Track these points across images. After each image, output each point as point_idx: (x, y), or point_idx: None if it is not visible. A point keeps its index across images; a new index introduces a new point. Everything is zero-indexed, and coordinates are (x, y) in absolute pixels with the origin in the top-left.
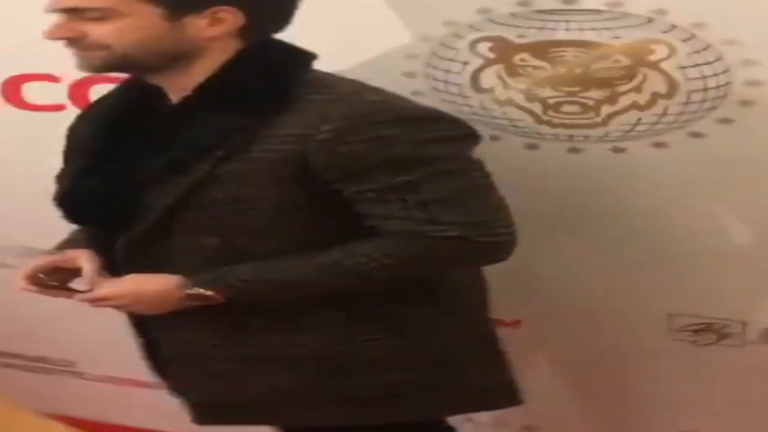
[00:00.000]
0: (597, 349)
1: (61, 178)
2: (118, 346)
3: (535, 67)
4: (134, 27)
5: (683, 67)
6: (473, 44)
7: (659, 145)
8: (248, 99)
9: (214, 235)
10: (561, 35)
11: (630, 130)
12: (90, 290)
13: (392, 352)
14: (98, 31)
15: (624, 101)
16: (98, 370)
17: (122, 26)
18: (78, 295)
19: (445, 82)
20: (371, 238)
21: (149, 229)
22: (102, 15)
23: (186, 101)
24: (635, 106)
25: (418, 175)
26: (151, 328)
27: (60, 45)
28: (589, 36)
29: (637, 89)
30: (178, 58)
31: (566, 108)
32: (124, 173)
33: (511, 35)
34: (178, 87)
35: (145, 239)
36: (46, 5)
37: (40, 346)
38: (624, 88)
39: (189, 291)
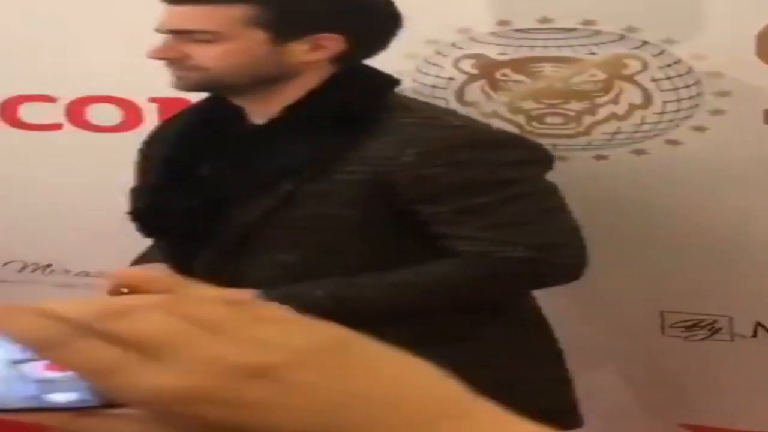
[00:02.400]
0: (592, 346)
1: (136, 193)
2: None
3: (516, 82)
4: (238, 50)
5: (656, 80)
6: (456, 61)
7: (639, 152)
8: (337, 122)
9: (291, 252)
10: (539, 52)
11: (611, 139)
12: None
13: (458, 372)
14: (202, 53)
15: (603, 112)
16: None
17: (227, 49)
18: None
19: (432, 97)
20: (443, 258)
21: (228, 246)
22: (210, 38)
23: (274, 122)
24: (614, 116)
25: (495, 198)
26: None
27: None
28: (565, 52)
29: (615, 101)
30: (270, 81)
31: (549, 119)
32: (204, 190)
33: (491, 52)
34: (264, 108)
35: (223, 255)
36: (156, 25)
37: None
38: (602, 99)
39: None
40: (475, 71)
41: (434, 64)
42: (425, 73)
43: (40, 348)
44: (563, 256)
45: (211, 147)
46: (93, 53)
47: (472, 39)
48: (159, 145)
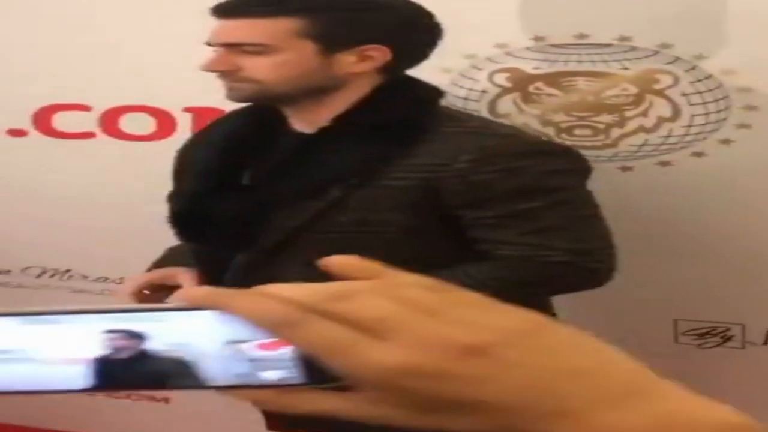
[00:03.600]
0: None
1: (174, 198)
2: None
3: (548, 95)
4: (289, 62)
5: (686, 94)
6: (491, 75)
7: (664, 163)
8: (386, 130)
9: (328, 256)
10: (573, 66)
11: (637, 151)
12: None
13: None
14: (254, 65)
15: (632, 125)
16: None
17: (278, 61)
18: None
19: (464, 108)
20: (481, 261)
21: (267, 250)
22: (261, 50)
23: (325, 131)
24: (642, 129)
25: (539, 204)
26: None
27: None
28: (599, 67)
29: (644, 114)
30: (320, 91)
31: (578, 131)
32: (247, 196)
33: (526, 67)
34: (313, 117)
35: (259, 259)
36: (207, 38)
37: None
38: (631, 113)
39: None
40: (509, 84)
41: (469, 78)
42: (459, 86)
43: (274, 328)
44: (598, 261)
45: (253, 154)
46: (129, 63)
47: (509, 54)
48: (198, 151)
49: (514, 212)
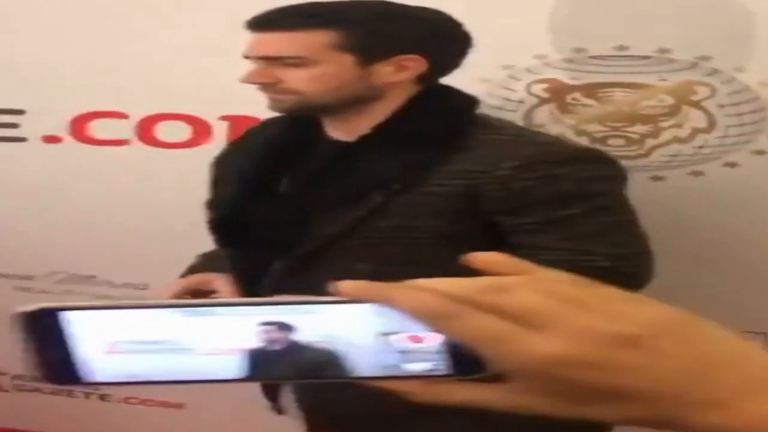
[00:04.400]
0: None
1: (213, 205)
2: None
3: (584, 105)
4: (328, 74)
5: (722, 106)
6: (529, 86)
7: (697, 173)
8: (426, 138)
9: (368, 262)
10: (611, 78)
11: (670, 161)
12: None
13: None
14: (293, 77)
15: (666, 135)
16: (124, 392)
17: (317, 73)
18: None
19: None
20: None
21: (306, 256)
22: (300, 62)
23: (364, 139)
24: (676, 139)
25: (578, 210)
26: None
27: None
28: (637, 79)
29: (679, 124)
30: (359, 101)
31: (612, 141)
32: (286, 203)
33: (564, 77)
34: (352, 126)
35: (298, 265)
36: (244, 51)
37: None
38: (666, 123)
39: None
40: (546, 95)
41: (506, 88)
42: (496, 96)
43: (432, 319)
44: (636, 266)
45: (290, 162)
46: (167, 72)
47: (547, 65)
48: (236, 159)
49: (554, 218)
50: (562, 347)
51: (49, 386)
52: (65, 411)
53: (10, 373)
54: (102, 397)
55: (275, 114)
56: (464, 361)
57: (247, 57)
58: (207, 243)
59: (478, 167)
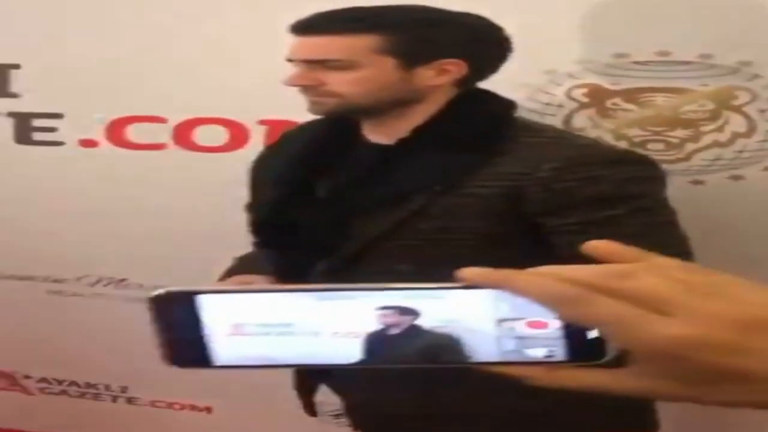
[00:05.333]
0: None
1: (254, 208)
2: (170, 371)
3: (624, 110)
4: (370, 77)
5: (763, 110)
6: (569, 90)
7: (736, 177)
8: (467, 140)
9: (408, 263)
10: (653, 83)
11: (710, 165)
12: None
13: None
14: (336, 80)
15: (706, 139)
16: (151, 395)
17: (360, 76)
18: None
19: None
20: None
21: (347, 258)
22: (343, 65)
23: (405, 141)
24: (716, 143)
25: (620, 211)
26: None
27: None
28: (679, 84)
29: (719, 129)
30: (400, 104)
31: (651, 146)
32: (326, 206)
33: (606, 82)
34: (392, 129)
35: (339, 266)
36: (287, 54)
37: (93, 373)
38: (707, 128)
39: None
40: (586, 100)
41: (546, 93)
42: (535, 101)
43: (558, 305)
44: None
45: (328, 165)
46: (205, 76)
47: (588, 70)
48: (275, 162)
49: (595, 219)
50: (689, 330)
51: (75, 390)
52: (92, 414)
53: (36, 376)
54: (129, 401)
55: (312, 117)
56: (582, 348)
57: (290, 60)
58: (241, 246)
59: (520, 169)
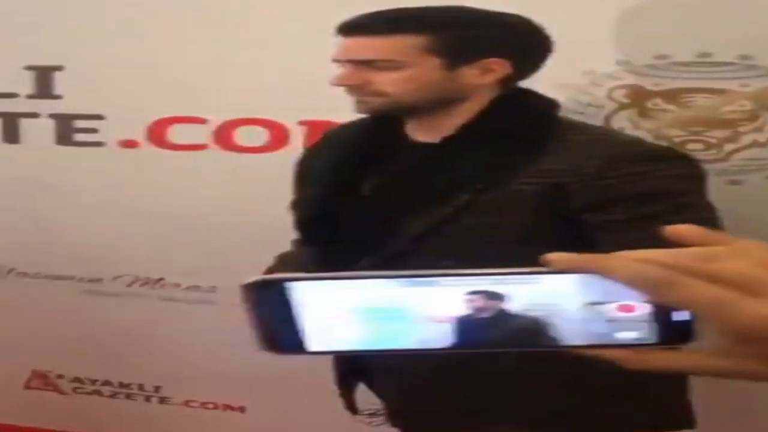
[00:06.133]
0: None
1: (299, 205)
2: (203, 371)
3: (664, 110)
4: (416, 76)
5: None
6: (610, 91)
7: None
8: (511, 138)
9: (453, 259)
10: (693, 83)
11: (748, 165)
12: None
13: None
14: (383, 80)
15: (745, 140)
16: (184, 395)
17: (406, 75)
18: None
19: None
20: None
21: (394, 254)
22: (389, 65)
23: (450, 139)
24: (755, 143)
25: (662, 207)
26: None
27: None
28: (719, 84)
29: (759, 129)
30: (445, 103)
31: (690, 146)
32: (373, 202)
33: (646, 83)
34: (436, 127)
35: (384, 263)
36: (334, 55)
37: (127, 372)
38: (746, 128)
39: None
40: (626, 100)
41: (587, 93)
42: (577, 101)
43: (651, 288)
44: None
45: (372, 162)
46: (245, 76)
47: (629, 71)
48: (319, 160)
49: (637, 216)
50: None
51: (108, 389)
52: (125, 414)
53: (70, 376)
54: (162, 400)
55: (352, 117)
56: (670, 330)
57: (336, 60)
58: (280, 246)
59: (564, 166)
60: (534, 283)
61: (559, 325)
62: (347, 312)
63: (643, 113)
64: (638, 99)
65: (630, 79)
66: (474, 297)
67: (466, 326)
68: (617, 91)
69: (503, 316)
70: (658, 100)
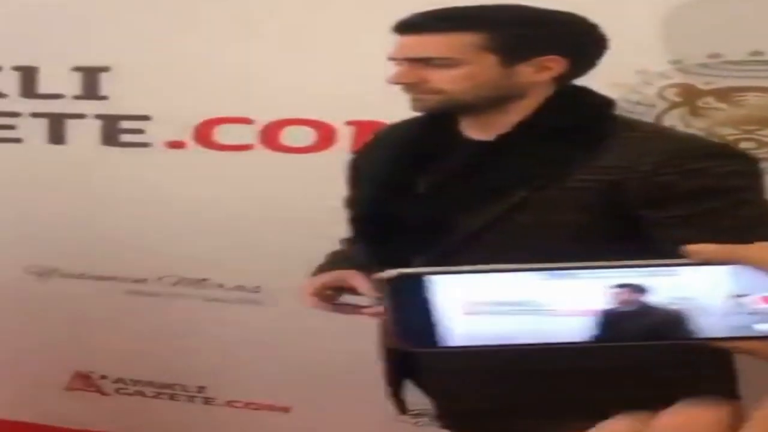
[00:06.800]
0: None
1: (354, 203)
2: (248, 371)
3: (716, 109)
4: (473, 74)
5: None
6: (662, 90)
7: None
8: (568, 135)
9: (508, 256)
10: (746, 82)
11: None
12: (374, 306)
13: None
14: (439, 77)
15: None
16: (228, 395)
17: (463, 73)
18: (367, 310)
19: None
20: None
21: (449, 251)
22: (447, 63)
23: (506, 137)
24: None
25: (721, 204)
26: None
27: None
28: None
29: None
30: (500, 100)
31: (743, 144)
32: (429, 200)
33: (698, 82)
34: (491, 125)
35: (438, 261)
36: (390, 53)
37: (170, 373)
38: None
39: None
40: (678, 99)
41: (638, 92)
42: (628, 101)
43: None
44: None
45: (426, 160)
46: (293, 77)
47: (681, 70)
48: (373, 158)
49: (697, 212)
50: None
51: (150, 390)
52: (168, 415)
53: (113, 377)
54: (206, 401)
55: (396, 117)
56: None
57: (393, 59)
58: (324, 245)
59: (621, 163)
60: (678, 275)
61: (700, 317)
62: (485, 306)
63: (695, 112)
64: (689, 98)
65: (681, 78)
66: (620, 290)
67: (609, 320)
68: (668, 90)
69: (646, 309)
70: (710, 99)
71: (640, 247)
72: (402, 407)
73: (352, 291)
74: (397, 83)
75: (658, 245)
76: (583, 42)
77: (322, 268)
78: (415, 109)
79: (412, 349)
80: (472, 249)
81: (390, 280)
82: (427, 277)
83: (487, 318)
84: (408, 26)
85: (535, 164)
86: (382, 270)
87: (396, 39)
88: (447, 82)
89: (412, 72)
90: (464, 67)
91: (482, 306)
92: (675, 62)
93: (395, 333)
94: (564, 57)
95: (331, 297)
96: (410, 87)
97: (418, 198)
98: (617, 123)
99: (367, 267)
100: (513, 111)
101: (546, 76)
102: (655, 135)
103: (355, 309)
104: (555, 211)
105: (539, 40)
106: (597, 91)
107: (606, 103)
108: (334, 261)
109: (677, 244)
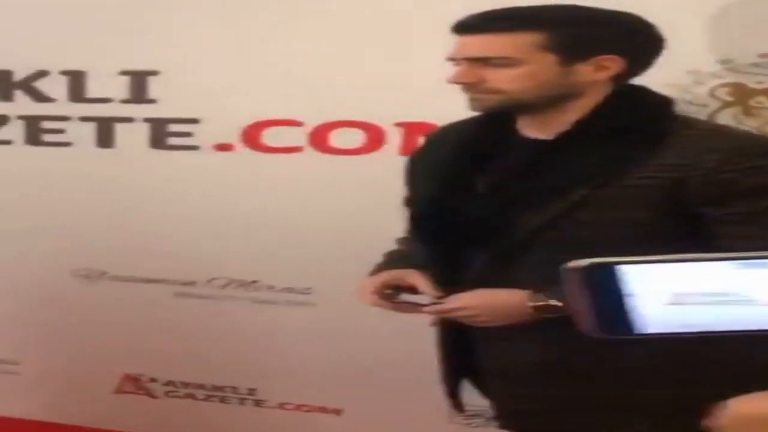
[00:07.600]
0: None
1: (413, 202)
2: (298, 373)
3: None
4: (531, 73)
5: None
6: (713, 90)
7: None
8: (627, 133)
9: (568, 254)
10: None
11: None
12: (434, 304)
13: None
14: (498, 77)
15: None
16: (279, 397)
17: (522, 72)
18: (428, 308)
19: None
20: None
21: (507, 251)
22: (506, 62)
23: (565, 136)
24: None
25: None
26: (480, 341)
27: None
28: None
29: None
30: (559, 99)
31: None
32: (488, 199)
33: (749, 81)
34: (550, 124)
35: (499, 260)
36: (449, 53)
37: (221, 375)
38: None
39: (538, 303)
40: (730, 98)
41: (689, 92)
42: (681, 101)
43: None
44: None
45: (485, 160)
46: (342, 79)
47: (732, 69)
48: (432, 157)
49: (759, 209)
50: None
51: (201, 392)
52: (219, 417)
53: (163, 379)
54: (257, 403)
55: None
56: None
57: (452, 59)
58: (374, 246)
59: (682, 160)
60: None
61: None
62: (678, 295)
63: (747, 111)
64: (742, 97)
65: (733, 78)
66: None
67: None
68: (721, 90)
69: None
70: (762, 98)
71: (699, 243)
72: (459, 407)
73: (412, 290)
74: (457, 83)
75: (718, 242)
76: (640, 42)
77: (380, 267)
78: (473, 108)
79: (605, 337)
80: (535, 248)
81: (583, 270)
82: (619, 267)
83: (681, 306)
84: (467, 26)
85: (595, 162)
86: (440, 270)
87: (455, 39)
88: (506, 81)
89: (471, 72)
90: (523, 67)
91: (675, 295)
92: (726, 62)
93: (587, 321)
94: (622, 56)
95: (391, 296)
96: (469, 87)
97: (478, 197)
98: (678, 121)
99: (426, 266)
100: (571, 110)
101: (604, 75)
102: (714, 133)
103: (416, 307)
104: (615, 209)
105: (598, 40)
106: (655, 91)
107: (665, 102)
108: (392, 260)
109: (739, 240)
